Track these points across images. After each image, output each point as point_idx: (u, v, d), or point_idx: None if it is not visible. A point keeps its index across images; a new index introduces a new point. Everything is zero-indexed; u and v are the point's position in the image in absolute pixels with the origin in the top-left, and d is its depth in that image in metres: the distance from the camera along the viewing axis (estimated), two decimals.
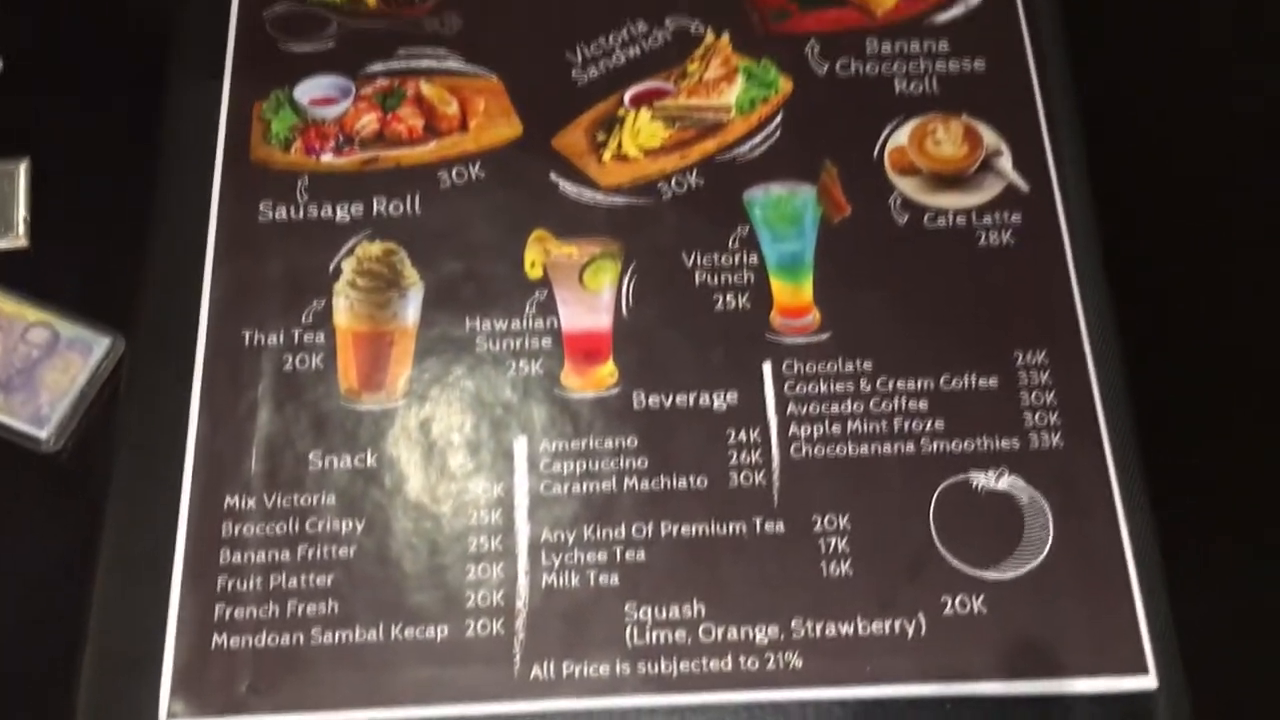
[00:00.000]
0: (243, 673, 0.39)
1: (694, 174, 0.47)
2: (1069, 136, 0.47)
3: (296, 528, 0.41)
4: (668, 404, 0.43)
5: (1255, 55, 0.53)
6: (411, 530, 0.41)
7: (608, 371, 0.43)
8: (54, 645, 0.40)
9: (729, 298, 0.44)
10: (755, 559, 0.41)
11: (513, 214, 0.46)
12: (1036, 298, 0.45)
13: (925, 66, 0.49)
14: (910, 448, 0.42)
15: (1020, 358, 0.44)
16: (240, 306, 0.44)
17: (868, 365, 0.44)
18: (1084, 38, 0.50)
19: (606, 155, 0.47)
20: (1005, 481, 0.42)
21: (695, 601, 0.40)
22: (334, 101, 0.48)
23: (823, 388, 0.43)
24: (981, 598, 0.40)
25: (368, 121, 0.47)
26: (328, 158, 0.47)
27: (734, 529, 0.41)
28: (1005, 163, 0.47)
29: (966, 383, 0.43)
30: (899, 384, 0.43)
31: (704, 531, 0.41)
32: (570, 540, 0.41)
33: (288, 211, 0.46)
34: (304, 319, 0.44)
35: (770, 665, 0.39)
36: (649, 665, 0.39)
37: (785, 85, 0.48)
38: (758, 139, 0.47)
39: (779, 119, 0.48)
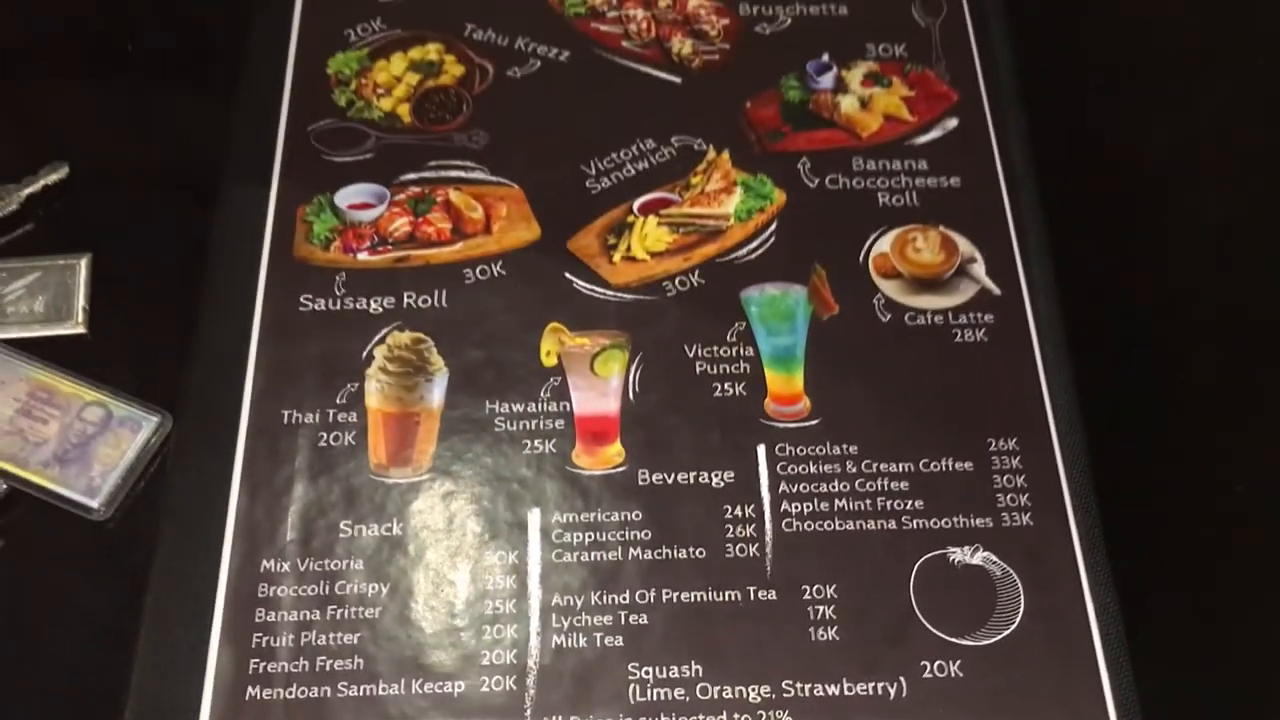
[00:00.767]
0: None
1: (696, 274, 0.51)
2: (1036, 246, 0.52)
3: (327, 590, 0.45)
4: (670, 481, 0.47)
5: (1216, 171, 0.59)
6: (432, 594, 0.45)
7: (615, 451, 0.47)
8: (100, 695, 0.43)
9: (727, 386, 0.49)
10: (749, 624, 0.44)
11: (530, 308, 0.50)
12: (1007, 390, 0.49)
13: (906, 182, 0.54)
14: (892, 524, 0.46)
15: (993, 444, 0.48)
16: (280, 388, 0.48)
17: (853, 449, 0.47)
18: (1050, 161, 0.55)
19: (616, 257, 0.52)
20: (979, 557, 0.46)
21: (693, 663, 0.43)
22: (370, 206, 0.53)
23: (812, 469, 0.47)
24: (958, 662, 0.44)
25: (400, 224, 0.52)
26: (363, 256, 0.51)
27: (730, 596, 0.45)
28: (979, 269, 0.51)
29: (944, 466, 0.47)
30: (882, 466, 0.47)
31: (702, 598, 0.45)
32: (579, 605, 0.44)
33: (326, 303, 0.50)
34: (338, 400, 0.48)
35: None
36: None
37: (780, 197, 0.53)
38: (754, 244, 0.52)
39: (774, 227, 0.52)
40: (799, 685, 0.43)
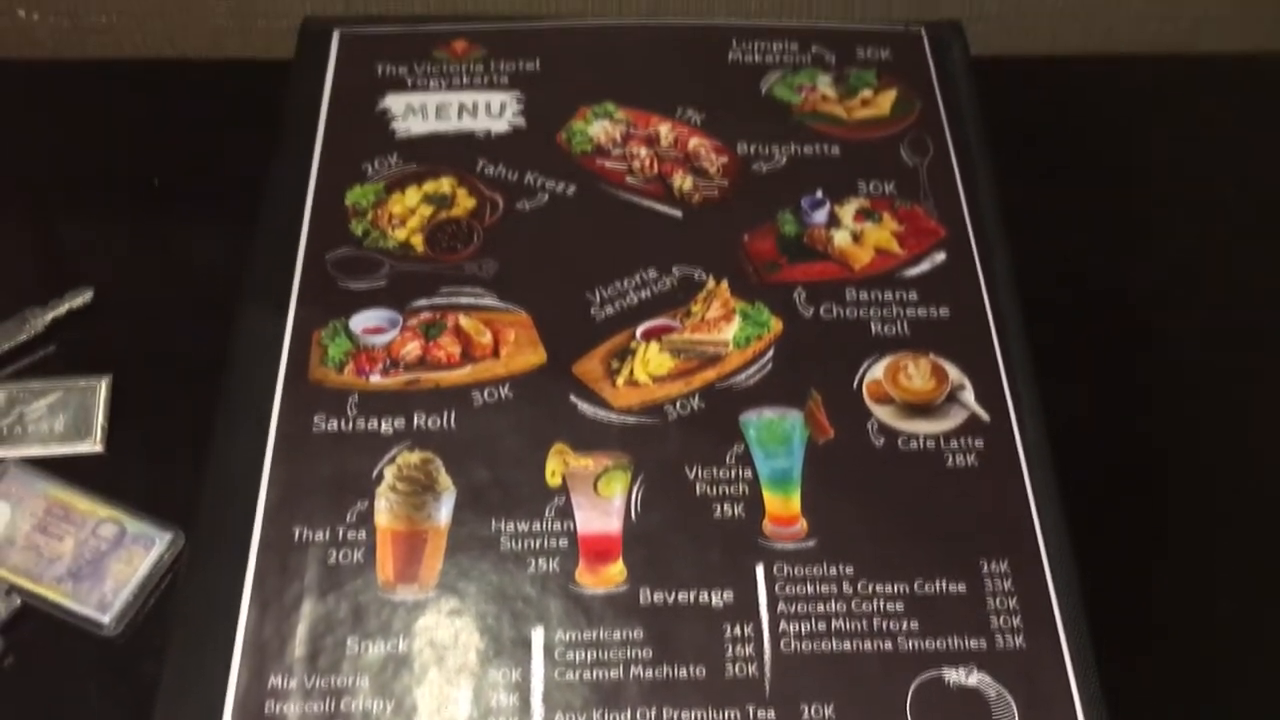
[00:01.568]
0: None
1: (696, 399, 0.53)
2: (1023, 375, 0.54)
3: (333, 707, 0.45)
4: (671, 601, 0.48)
5: (1193, 302, 0.61)
6: (436, 711, 0.45)
7: (617, 570, 0.49)
8: None
9: (726, 507, 0.50)
10: None
11: (536, 430, 0.52)
12: (998, 513, 0.50)
13: (897, 312, 0.56)
14: (889, 645, 0.47)
15: (985, 566, 0.49)
16: (292, 506, 0.50)
17: (850, 570, 0.49)
18: (1034, 293, 0.57)
19: (620, 381, 0.54)
20: (974, 678, 0.46)
21: None
22: (383, 331, 0.55)
23: (809, 589, 0.48)
24: None
25: (412, 348, 0.54)
26: (376, 378, 0.53)
27: (729, 715, 0.45)
28: (968, 396, 0.53)
29: (938, 588, 0.48)
30: (878, 587, 0.48)
31: (702, 716, 0.45)
32: None
33: (339, 424, 0.52)
34: (348, 518, 0.49)
35: None
36: None
37: (776, 325, 0.55)
38: (752, 370, 0.54)
39: (771, 354, 0.55)
40: None
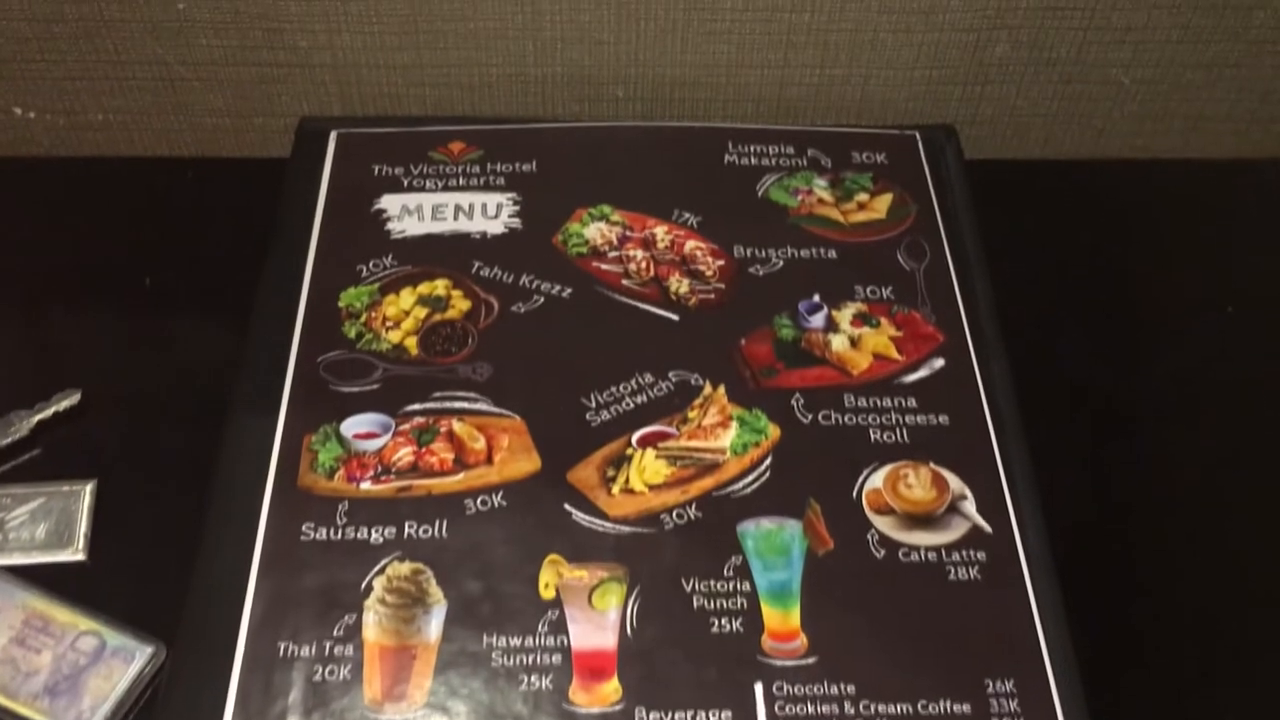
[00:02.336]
0: None
1: (693, 507, 0.52)
2: (1024, 484, 0.53)
3: None
4: None
5: (1191, 409, 0.61)
6: None
7: (613, 688, 0.47)
8: None
9: (724, 621, 0.49)
10: None
11: (530, 540, 0.51)
12: (1002, 629, 0.49)
13: (896, 420, 0.55)
14: None
15: (990, 685, 0.48)
16: (278, 619, 0.48)
17: (851, 689, 0.47)
18: (1033, 399, 0.57)
19: (615, 489, 0.53)
20: None
21: None
22: (376, 436, 0.54)
23: (810, 709, 0.47)
24: None
25: (404, 454, 0.53)
26: (367, 485, 0.52)
27: None
28: (970, 506, 0.53)
29: (942, 708, 0.47)
30: (880, 708, 0.47)
31: None
32: None
33: (328, 533, 0.51)
34: (335, 632, 0.48)
35: None
36: None
37: (774, 432, 0.55)
38: (750, 478, 0.53)
39: (769, 461, 0.54)
40: None
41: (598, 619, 0.49)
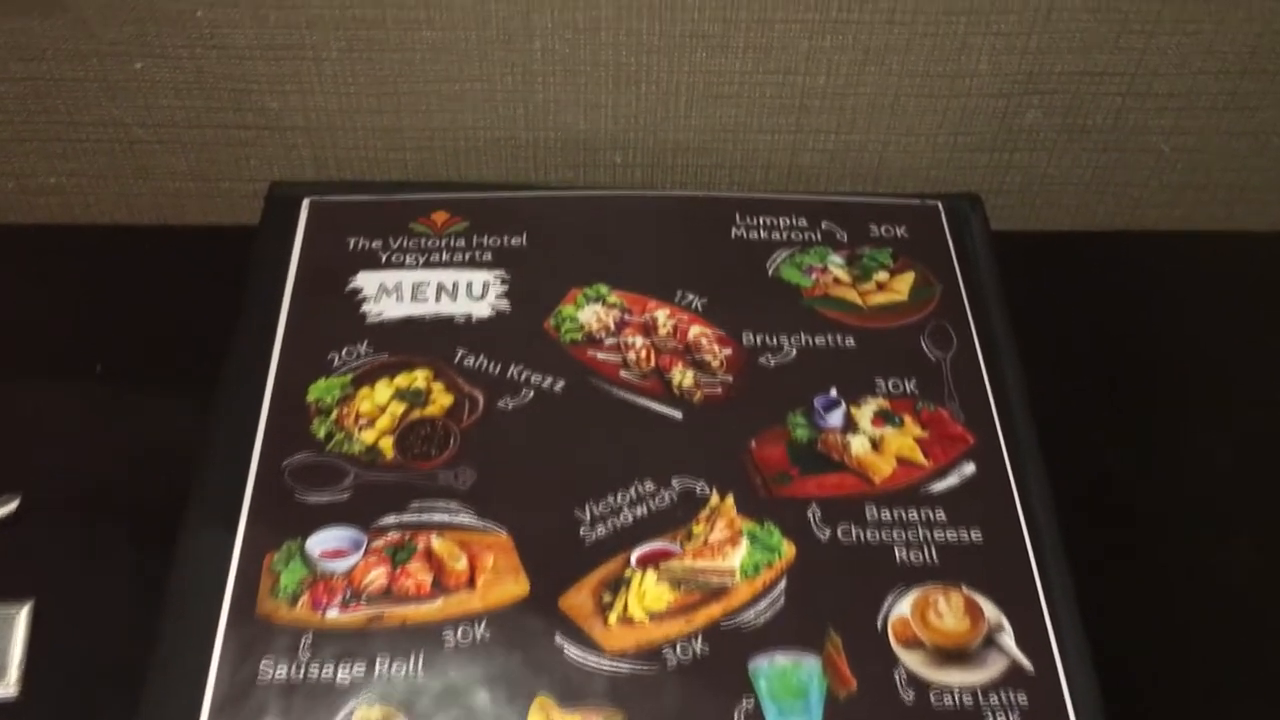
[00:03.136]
0: None
1: (699, 640, 0.47)
2: (1066, 613, 0.48)
3: None
4: None
5: (1242, 516, 0.56)
6: None
7: None
8: None
9: None
10: None
11: (516, 679, 0.45)
12: None
13: (924, 535, 0.50)
14: None
15: None
16: None
17: None
18: (1072, 512, 0.52)
19: (612, 618, 0.47)
20: None
21: None
22: (345, 554, 0.49)
23: None
24: None
25: (376, 576, 0.48)
26: (333, 613, 0.47)
27: None
28: (1008, 639, 0.47)
29: None
30: None
31: None
32: None
33: (289, 671, 0.45)
34: None
35: None
36: None
37: (789, 550, 0.49)
38: (762, 604, 0.48)
39: (783, 585, 0.48)
40: None
41: None
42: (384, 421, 0.53)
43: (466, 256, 0.59)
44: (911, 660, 0.47)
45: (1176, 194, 0.66)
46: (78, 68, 0.60)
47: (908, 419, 0.54)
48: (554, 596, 0.48)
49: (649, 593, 0.48)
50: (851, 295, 0.58)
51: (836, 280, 0.59)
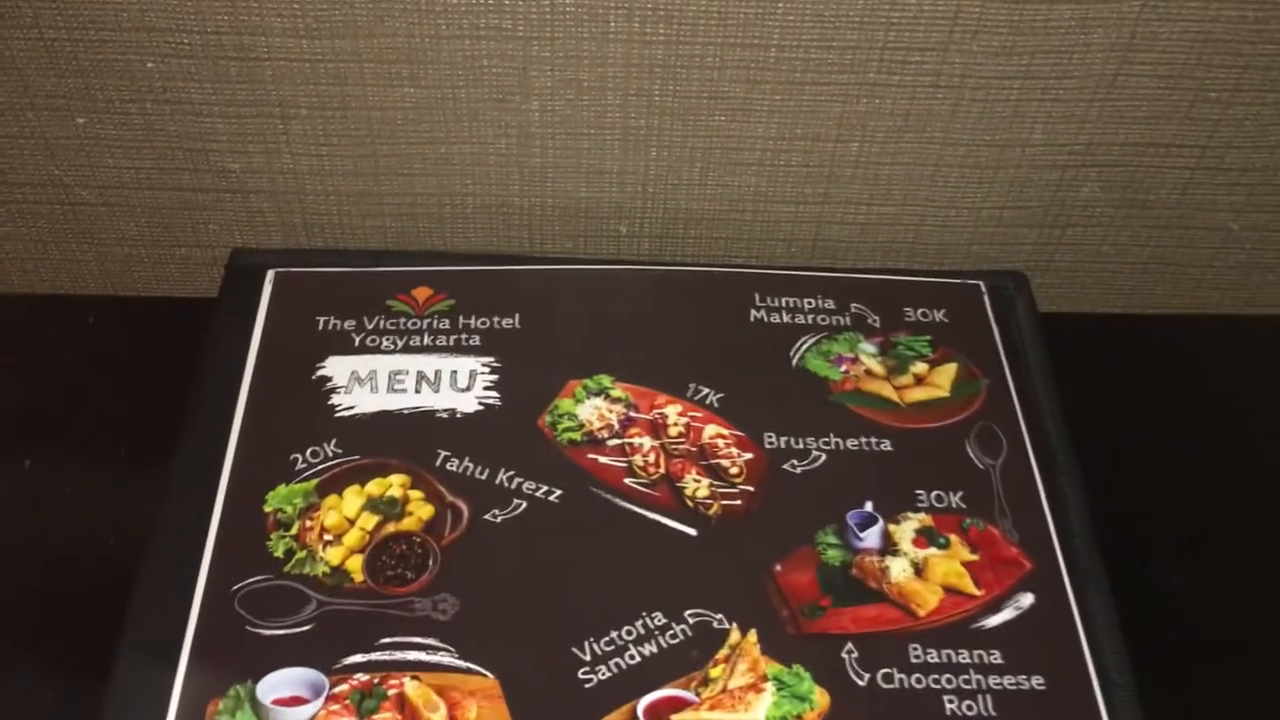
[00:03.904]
0: None
1: None
2: None
3: None
4: None
5: None
6: None
7: None
8: None
9: None
10: None
11: None
12: None
13: (978, 682, 0.43)
14: None
15: None
16: None
17: None
18: (1134, 638, 0.45)
19: None
20: None
21: None
22: (302, 702, 0.42)
23: None
24: None
25: None
26: None
27: None
28: None
29: None
30: None
31: None
32: None
33: None
34: None
35: None
36: None
37: (822, 700, 0.42)
38: None
39: None
40: None
41: None
42: (353, 537, 0.46)
43: (451, 340, 0.52)
44: None
45: (1244, 274, 0.60)
46: (12, 123, 0.53)
47: (955, 539, 0.47)
48: None
49: None
50: (886, 390, 0.52)
51: (869, 372, 0.52)
